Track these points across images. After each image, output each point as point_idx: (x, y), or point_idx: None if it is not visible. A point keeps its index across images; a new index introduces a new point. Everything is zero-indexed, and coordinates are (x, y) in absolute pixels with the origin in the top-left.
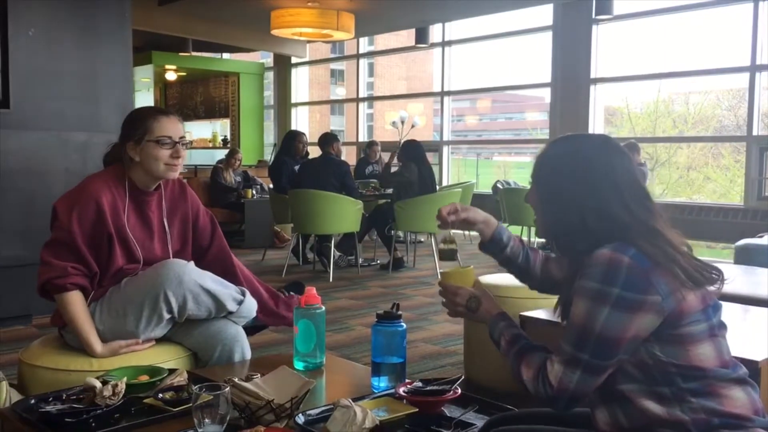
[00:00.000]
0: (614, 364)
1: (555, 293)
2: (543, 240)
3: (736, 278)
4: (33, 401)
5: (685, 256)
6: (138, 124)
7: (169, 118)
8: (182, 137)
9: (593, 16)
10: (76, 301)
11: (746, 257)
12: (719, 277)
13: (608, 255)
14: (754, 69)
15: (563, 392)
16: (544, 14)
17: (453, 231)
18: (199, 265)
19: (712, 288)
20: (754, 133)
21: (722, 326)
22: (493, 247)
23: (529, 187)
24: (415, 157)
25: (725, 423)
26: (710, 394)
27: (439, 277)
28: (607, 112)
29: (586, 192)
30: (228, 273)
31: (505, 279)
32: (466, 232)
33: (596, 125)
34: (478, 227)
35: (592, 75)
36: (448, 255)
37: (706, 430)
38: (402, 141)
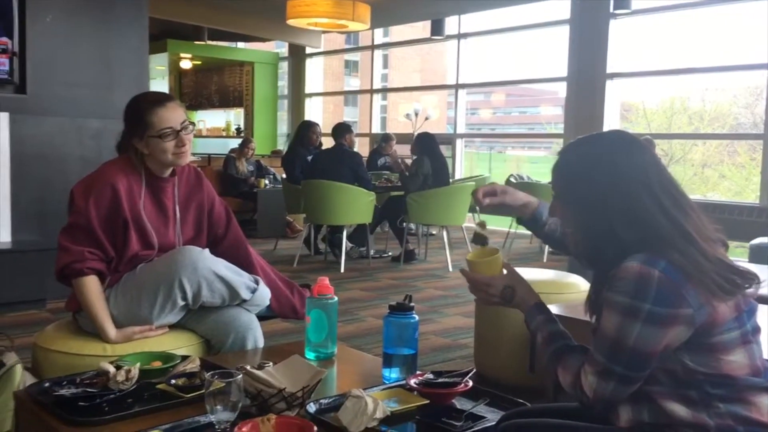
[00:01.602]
0: (647, 373)
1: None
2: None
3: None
4: (47, 384)
5: (718, 263)
6: (137, 119)
7: (167, 107)
8: (184, 122)
9: (611, 11)
10: (92, 286)
11: (761, 256)
12: (753, 282)
13: (637, 269)
14: None
15: (598, 401)
16: (562, 8)
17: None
18: (213, 253)
19: (748, 291)
20: None
21: (756, 330)
22: (532, 225)
23: (551, 197)
24: (428, 150)
25: (750, 431)
26: (739, 400)
27: (466, 264)
28: (622, 108)
29: (610, 194)
30: (242, 262)
31: None
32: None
33: (611, 121)
34: (518, 209)
35: (609, 70)
36: (480, 240)
37: None
38: (416, 133)
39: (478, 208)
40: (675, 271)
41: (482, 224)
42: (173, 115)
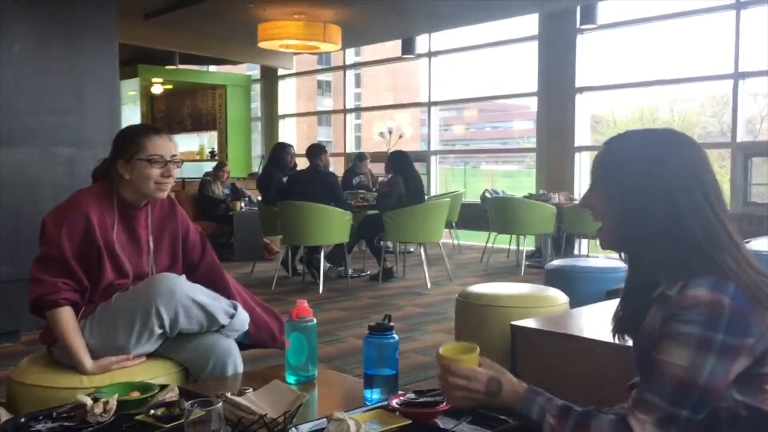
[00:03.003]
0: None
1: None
2: (533, 248)
3: None
4: (23, 420)
5: (762, 274)
6: (129, 141)
7: (162, 137)
8: (174, 156)
9: (578, 26)
10: (67, 317)
11: None
12: None
13: (708, 296)
14: (737, 76)
15: None
16: (530, 24)
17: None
18: (190, 280)
19: None
20: (738, 139)
21: None
22: None
23: (586, 192)
24: (401, 168)
25: None
26: None
27: (440, 355)
28: (593, 120)
29: (666, 199)
30: (219, 289)
31: (492, 288)
32: (455, 241)
33: (582, 133)
34: None
35: (578, 84)
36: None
37: None
38: (390, 151)
39: None
40: (743, 297)
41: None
42: (166, 144)
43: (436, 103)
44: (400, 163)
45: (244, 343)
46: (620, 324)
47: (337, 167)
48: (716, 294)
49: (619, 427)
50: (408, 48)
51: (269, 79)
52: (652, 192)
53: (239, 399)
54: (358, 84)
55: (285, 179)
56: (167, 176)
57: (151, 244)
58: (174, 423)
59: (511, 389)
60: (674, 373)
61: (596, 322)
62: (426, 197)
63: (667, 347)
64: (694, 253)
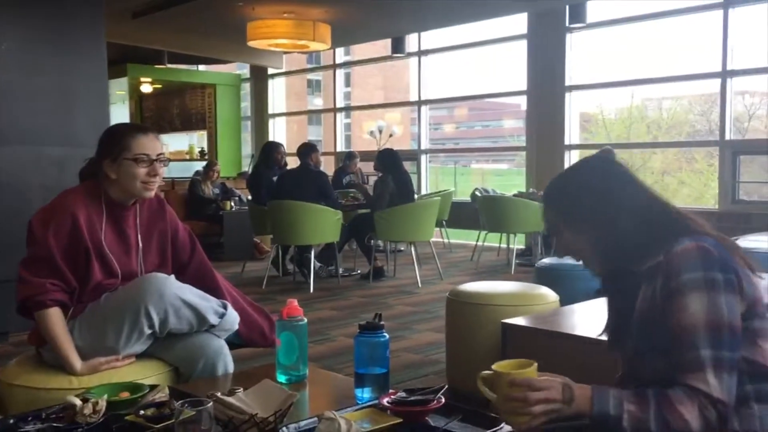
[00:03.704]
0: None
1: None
2: (523, 247)
3: None
4: (12, 421)
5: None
6: (115, 141)
7: (147, 136)
8: (160, 154)
9: (567, 25)
10: (55, 319)
11: None
12: (758, 268)
13: (694, 245)
14: (725, 74)
15: (732, 401)
16: (519, 23)
17: None
18: (180, 280)
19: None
20: (727, 137)
21: None
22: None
23: (556, 243)
24: (390, 167)
25: None
26: None
27: (496, 372)
28: (582, 119)
29: (617, 201)
30: (209, 288)
31: (482, 287)
32: (446, 240)
33: (572, 132)
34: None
35: (567, 82)
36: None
37: None
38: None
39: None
40: (720, 245)
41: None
42: (152, 144)
43: (426, 102)
44: (389, 162)
45: (234, 342)
46: (615, 333)
47: (327, 166)
48: (700, 243)
49: (689, 392)
50: (398, 47)
51: (259, 78)
52: (613, 204)
53: (230, 399)
54: (348, 83)
55: (275, 178)
56: (153, 175)
57: (140, 244)
58: (164, 423)
59: (582, 394)
60: (698, 319)
61: (586, 319)
62: (416, 196)
63: (679, 301)
64: (667, 226)
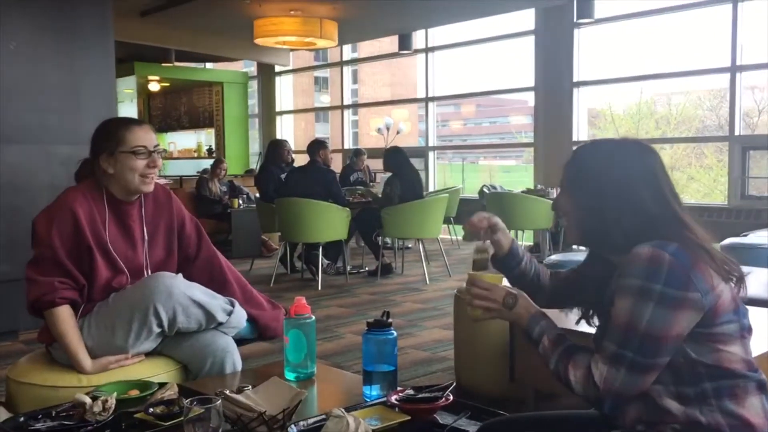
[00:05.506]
0: (659, 364)
1: (563, 307)
2: (531, 243)
3: None
4: (22, 419)
5: (713, 250)
6: (110, 135)
7: (142, 128)
8: (157, 146)
9: (575, 20)
10: (65, 317)
11: (733, 256)
12: (741, 274)
13: (649, 252)
14: (734, 69)
15: (608, 392)
16: (527, 19)
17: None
18: (187, 272)
19: (740, 291)
20: (736, 132)
21: (750, 329)
22: (510, 260)
23: (555, 194)
24: (398, 165)
25: (736, 429)
26: (732, 396)
27: (469, 274)
28: (590, 115)
29: (625, 193)
30: (217, 280)
31: None
32: (453, 237)
33: (580, 128)
34: (499, 236)
35: (575, 78)
36: (481, 265)
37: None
38: (387, 147)
39: (470, 235)
40: (684, 255)
41: (480, 248)
42: (148, 135)
43: (433, 99)
44: (397, 161)
45: (247, 337)
46: (584, 309)
47: (334, 163)
48: (656, 250)
49: (588, 365)
50: (405, 44)
51: (266, 75)
52: (611, 194)
53: (238, 396)
54: (355, 80)
55: (283, 176)
56: (153, 167)
57: (146, 237)
58: (173, 421)
59: (524, 307)
60: (620, 320)
61: None
62: (424, 193)
63: (617, 299)
64: (650, 230)
